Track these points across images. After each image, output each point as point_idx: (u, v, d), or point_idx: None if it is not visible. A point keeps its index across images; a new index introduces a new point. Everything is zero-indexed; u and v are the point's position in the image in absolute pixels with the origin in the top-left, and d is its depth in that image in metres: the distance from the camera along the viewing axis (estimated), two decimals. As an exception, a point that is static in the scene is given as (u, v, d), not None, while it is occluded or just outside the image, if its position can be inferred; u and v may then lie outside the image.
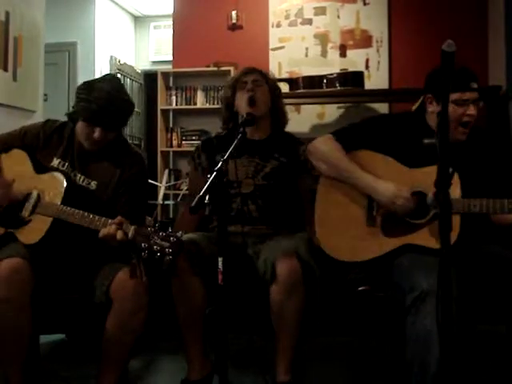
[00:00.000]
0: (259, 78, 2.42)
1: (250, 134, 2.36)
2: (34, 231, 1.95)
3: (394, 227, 1.96)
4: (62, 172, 2.05)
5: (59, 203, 1.96)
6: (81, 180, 2.08)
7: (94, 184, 2.07)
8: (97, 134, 1.99)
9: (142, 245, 1.74)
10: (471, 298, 1.83)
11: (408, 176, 1.98)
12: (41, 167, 2.08)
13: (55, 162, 2.08)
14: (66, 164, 2.08)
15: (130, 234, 1.81)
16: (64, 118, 2.18)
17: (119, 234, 1.81)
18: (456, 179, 1.81)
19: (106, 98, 1.95)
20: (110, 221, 1.85)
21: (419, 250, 1.87)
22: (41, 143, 2.12)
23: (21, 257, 1.84)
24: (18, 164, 2.10)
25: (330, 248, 2.06)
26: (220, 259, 1.64)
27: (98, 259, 2.01)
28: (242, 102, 2.36)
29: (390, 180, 1.98)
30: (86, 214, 1.91)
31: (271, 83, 2.46)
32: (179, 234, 1.76)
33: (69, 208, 1.93)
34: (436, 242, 1.81)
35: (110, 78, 2.07)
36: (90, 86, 2.00)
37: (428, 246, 1.85)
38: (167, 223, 3.70)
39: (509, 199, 1.77)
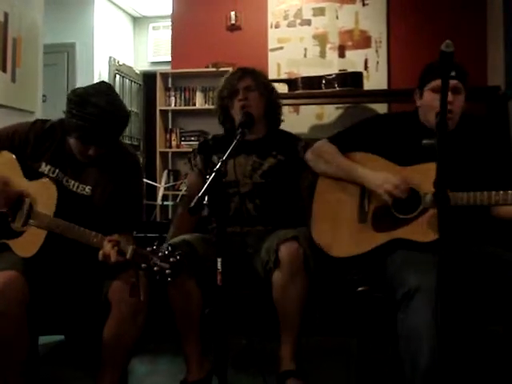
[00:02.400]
0: (251, 84, 2.38)
1: (247, 136, 2.37)
2: (29, 244, 1.89)
3: (384, 223, 2.01)
4: (53, 178, 1.98)
5: (52, 214, 1.90)
6: (74, 186, 2.01)
7: (88, 189, 2.00)
8: (91, 151, 1.92)
9: (142, 266, 1.72)
10: (468, 298, 1.83)
11: (399, 174, 2.00)
12: (30, 172, 1.99)
13: (45, 167, 2.00)
14: (57, 170, 2.00)
15: (128, 254, 1.77)
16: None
17: (113, 255, 1.77)
18: None
19: (99, 116, 1.85)
20: (106, 239, 1.81)
21: (408, 245, 1.91)
22: (30, 146, 2.01)
23: (15, 269, 1.80)
24: (6, 168, 1.98)
25: (322, 244, 2.10)
26: (219, 260, 1.64)
27: (96, 270, 1.94)
28: (236, 112, 2.36)
29: None
30: (81, 229, 1.86)
31: (263, 86, 2.42)
32: (177, 253, 1.72)
33: (63, 222, 1.87)
34: (423, 236, 1.87)
35: (104, 91, 1.92)
36: (82, 100, 1.87)
37: (415, 240, 1.89)
38: (166, 224, 3.69)
39: (496, 191, 1.79)
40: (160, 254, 1.72)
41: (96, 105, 1.85)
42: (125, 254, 1.78)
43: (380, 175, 2.01)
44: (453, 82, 1.96)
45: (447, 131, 1.94)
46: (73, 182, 2.01)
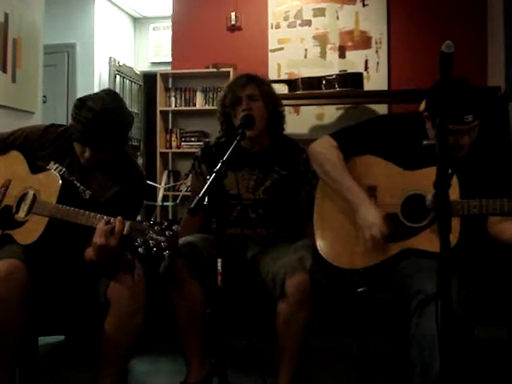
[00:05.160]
0: (254, 92, 2.30)
1: (250, 147, 2.36)
2: (30, 231, 1.95)
3: (393, 232, 1.93)
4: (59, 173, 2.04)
5: (54, 202, 1.95)
6: (78, 187, 2.05)
7: (87, 194, 2.05)
8: (87, 153, 1.98)
9: (138, 240, 1.72)
10: (472, 300, 1.82)
11: (405, 178, 1.97)
12: (36, 167, 2.06)
13: (52, 165, 2.06)
14: (64, 169, 2.06)
15: (125, 230, 1.79)
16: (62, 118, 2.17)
17: (106, 232, 1.78)
18: (455, 181, 1.79)
19: (92, 119, 1.90)
20: (105, 217, 1.83)
21: (420, 254, 1.86)
22: (42, 148, 2.09)
23: (17, 258, 1.83)
24: (14, 165, 2.09)
25: (330, 256, 2.05)
26: (219, 260, 1.64)
27: (95, 266, 1.95)
28: (238, 121, 2.27)
29: (386, 183, 1.99)
30: (81, 211, 1.89)
31: (268, 96, 2.35)
32: (175, 227, 1.73)
33: (64, 206, 1.92)
34: (436, 246, 1.80)
35: (103, 96, 1.98)
36: (81, 103, 1.95)
37: (428, 250, 1.83)
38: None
39: (509, 199, 1.75)
40: (156, 227, 1.73)
41: (90, 108, 1.92)
42: (115, 233, 1.78)
43: (370, 214, 1.93)
44: (467, 126, 1.85)
45: (460, 156, 1.92)
46: (75, 182, 2.06)
